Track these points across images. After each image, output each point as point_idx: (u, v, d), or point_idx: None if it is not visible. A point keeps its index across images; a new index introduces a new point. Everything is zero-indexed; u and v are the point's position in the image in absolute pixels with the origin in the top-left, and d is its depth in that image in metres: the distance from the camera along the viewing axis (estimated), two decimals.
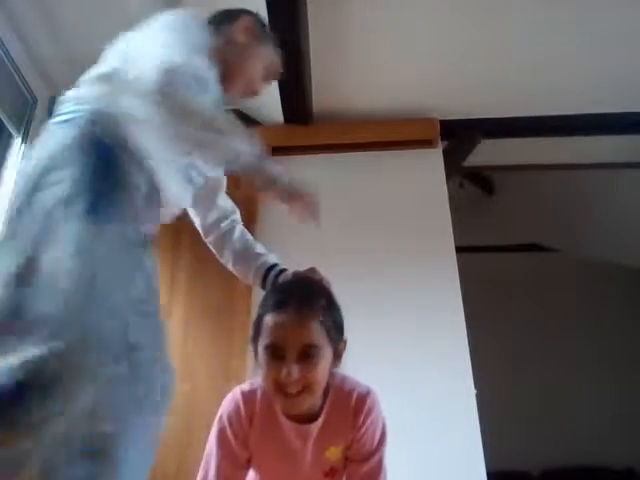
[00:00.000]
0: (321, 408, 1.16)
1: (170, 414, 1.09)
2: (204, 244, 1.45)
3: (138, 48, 1.12)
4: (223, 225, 1.43)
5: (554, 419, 4.57)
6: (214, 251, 1.44)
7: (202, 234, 1.45)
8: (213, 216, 1.43)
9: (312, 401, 1.10)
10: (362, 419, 1.15)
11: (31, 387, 0.78)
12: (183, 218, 2.42)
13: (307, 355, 1.04)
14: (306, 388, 1.06)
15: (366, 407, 1.16)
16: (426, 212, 2.53)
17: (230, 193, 1.50)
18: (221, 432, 1.16)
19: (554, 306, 4.95)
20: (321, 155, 2.65)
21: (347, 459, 1.19)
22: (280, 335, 1.05)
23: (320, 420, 1.15)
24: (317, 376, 1.06)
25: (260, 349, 1.08)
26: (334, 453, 1.18)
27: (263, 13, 1.95)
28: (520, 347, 4.81)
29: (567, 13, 2.25)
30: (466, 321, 2.26)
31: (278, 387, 1.05)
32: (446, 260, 2.41)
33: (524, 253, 4.97)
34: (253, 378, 1.22)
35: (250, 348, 1.14)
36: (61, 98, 1.12)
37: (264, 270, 1.36)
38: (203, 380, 2.15)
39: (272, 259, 1.39)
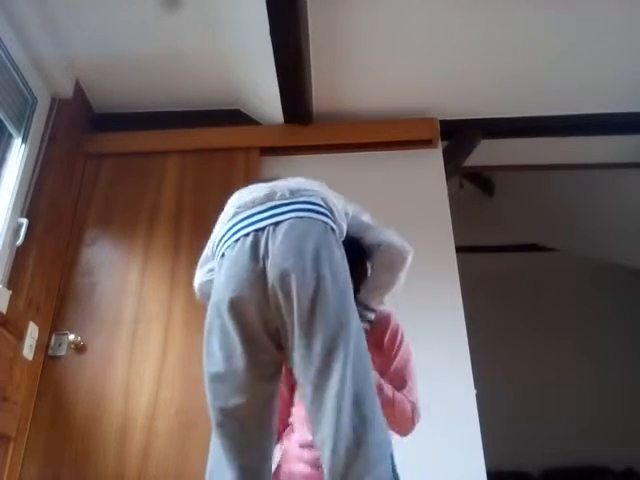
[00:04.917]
0: None
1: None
2: (204, 244, 1.45)
3: None
4: None
5: (554, 419, 4.57)
6: None
7: None
8: None
9: None
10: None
11: None
12: (182, 218, 2.43)
13: None
14: None
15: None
16: (426, 212, 2.52)
17: None
18: None
19: (554, 306, 4.95)
20: (321, 155, 2.64)
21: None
22: None
23: None
24: None
25: None
26: None
27: (263, 13, 1.96)
28: (520, 347, 4.81)
29: (567, 13, 2.25)
30: (466, 321, 2.26)
31: None
32: (446, 260, 2.40)
33: (524, 253, 4.97)
34: None
35: None
36: None
37: None
38: None
39: None
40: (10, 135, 2.26)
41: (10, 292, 2.02)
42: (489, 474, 2.01)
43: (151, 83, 2.62)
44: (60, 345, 2.20)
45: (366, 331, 1.37)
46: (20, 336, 2.04)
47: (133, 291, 2.31)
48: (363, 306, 1.40)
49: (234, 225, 1.21)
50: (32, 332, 2.12)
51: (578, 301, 4.96)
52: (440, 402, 2.10)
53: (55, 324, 2.25)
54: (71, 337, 2.19)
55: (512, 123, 2.79)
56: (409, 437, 2.05)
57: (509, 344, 4.79)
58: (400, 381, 1.41)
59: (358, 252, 1.44)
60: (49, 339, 2.21)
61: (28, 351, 2.08)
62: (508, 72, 2.54)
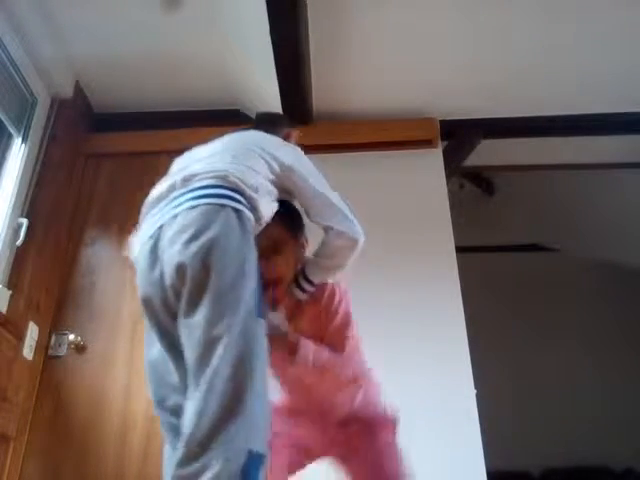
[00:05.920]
0: None
1: None
2: None
3: None
4: None
5: (554, 419, 4.57)
6: None
7: None
8: None
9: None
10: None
11: None
12: None
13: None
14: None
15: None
16: (426, 212, 2.53)
17: None
18: None
19: (554, 306, 4.94)
20: (321, 155, 2.63)
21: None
22: None
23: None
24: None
25: None
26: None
27: (263, 13, 1.96)
28: (520, 347, 4.81)
29: (567, 13, 2.25)
30: (466, 321, 2.26)
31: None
32: (446, 260, 2.40)
33: (524, 253, 4.97)
34: None
35: None
36: None
37: None
38: None
39: None
40: (10, 135, 2.26)
41: (10, 292, 2.03)
42: (489, 474, 2.01)
43: (151, 83, 2.62)
44: (60, 345, 2.21)
45: (301, 302, 1.36)
46: (20, 336, 2.05)
47: (133, 291, 2.30)
48: (304, 276, 1.35)
49: (142, 228, 1.24)
50: (32, 332, 2.12)
51: (578, 301, 4.96)
52: (440, 402, 2.11)
53: (55, 324, 2.25)
54: (71, 337, 2.19)
55: (512, 123, 2.79)
56: (409, 437, 2.05)
57: (509, 344, 4.78)
58: (341, 341, 1.33)
59: (297, 221, 1.42)
60: (49, 339, 2.21)
61: (28, 351, 2.08)
62: (508, 72, 2.54)
